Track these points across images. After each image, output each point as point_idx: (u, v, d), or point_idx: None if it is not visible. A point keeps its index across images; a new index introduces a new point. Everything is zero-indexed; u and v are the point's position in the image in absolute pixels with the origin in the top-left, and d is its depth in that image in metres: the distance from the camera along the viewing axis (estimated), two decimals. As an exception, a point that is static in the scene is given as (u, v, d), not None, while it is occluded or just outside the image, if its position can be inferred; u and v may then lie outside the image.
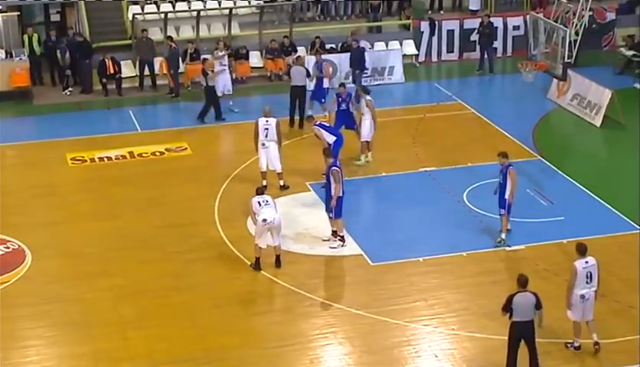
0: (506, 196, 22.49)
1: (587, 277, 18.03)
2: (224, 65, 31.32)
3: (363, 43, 35.97)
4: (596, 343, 18.41)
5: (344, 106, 27.55)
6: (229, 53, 32.47)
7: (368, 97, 26.95)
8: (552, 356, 18.14)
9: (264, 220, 21.16)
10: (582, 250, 18.18)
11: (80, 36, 34.11)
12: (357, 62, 33.16)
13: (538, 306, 17.23)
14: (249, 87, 33.46)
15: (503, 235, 22.96)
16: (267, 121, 25.11)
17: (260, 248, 21.45)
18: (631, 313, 19.81)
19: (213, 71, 30.39)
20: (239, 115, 31.06)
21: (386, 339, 19.14)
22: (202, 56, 32.55)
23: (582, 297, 18.06)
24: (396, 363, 18.42)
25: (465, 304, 20.36)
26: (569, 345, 18.50)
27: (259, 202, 21.35)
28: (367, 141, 27.05)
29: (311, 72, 30.71)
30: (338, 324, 19.70)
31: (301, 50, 35.13)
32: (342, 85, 28.54)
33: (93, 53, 33.56)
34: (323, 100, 30.30)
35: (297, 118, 30.11)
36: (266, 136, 25.09)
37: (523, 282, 17.24)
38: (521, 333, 17.31)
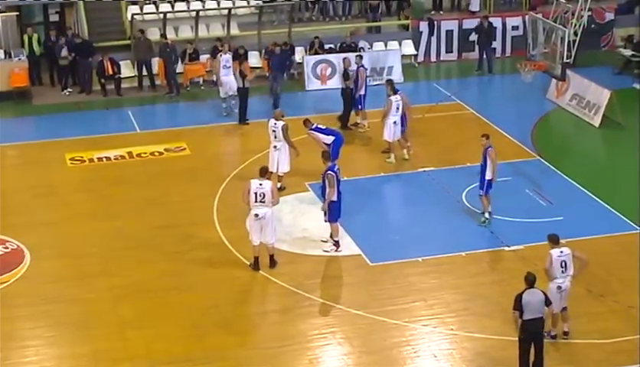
0: (487, 177, 23.09)
1: (562, 267, 18.28)
2: (228, 67, 31.30)
3: (362, 43, 36.11)
4: (566, 333, 18.72)
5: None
6: (233, 54, 32.51)
7: (392, 97, 27.03)
8: (550, 356, 18.11)
9: (256, 215, 21.23)
10: (554, 239, 18.48)
11: (78, 37, 34.09)
12: (279, 66, 32.70)
13: (548, 302, 17.36)
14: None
15: (487, 215, 23.49)
16: (275, 123, 25.20)
17: (254, 245, 21.49)
18: (630, 313, 19.83)
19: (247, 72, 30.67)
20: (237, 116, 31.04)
21: (385, 339, 19.15)
22: (240, 57, 32.32)
23: (559, 287, 18.29)
24: (395, 363, 18.43)
25: (464, 304, 20.36)
26: (546, 333, 18.52)
27: (255, 194, 21.21)
28: (390, 141, 27.25)
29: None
30: (337, 324, 19.72)
31: (299, 51, 35.16)
32: (389, 81, 28.59)
33: (93, 53, 33.57)
34: (360, 107, 30.22)
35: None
36: (275, 137, 25.21)
37: (531, 281, 17.37)
38: (532, 331, 17.36)
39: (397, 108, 26.98)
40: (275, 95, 31.94)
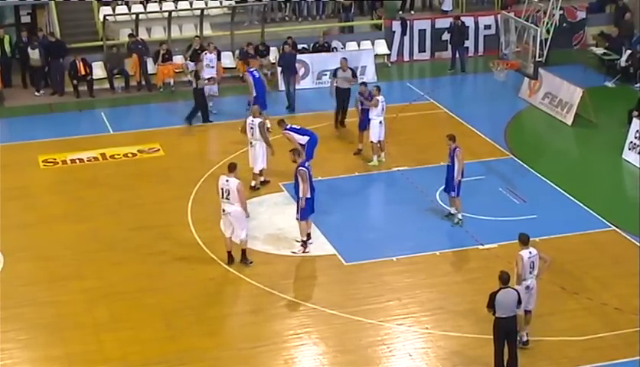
0: (454, 179, 23.19)
1: (531, 267, 18.21)
2: (212, 66, 31.27)
3: (335, 43, 36.14)
4: (525, 342, 18.50)
5: (366, 105, 27.33)
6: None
7: (378, 97, 26.96)
8: (524, 353, 18.18)
9: (223, 210, 21.41)
10: (525, 240, 18.33)
11: (52, 36, 33.93)
12: (288, 67, 32.53)
13: (519, 302, 17.39)
14: (221, 88, 33.32)
15: (459, 216, 23.58)
16: (253, 120, 25.23)
17: (225, 238, 21.65)
18: (604, 310, 19.94)
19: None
20: (211, 116, 30.97)
21: (360, 338, 19.17)
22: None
23: (528, 287, 18.22)
24: (371, 363, 18.45)
25: (439, 303, 20.41)
26: (520, 344, 18.52)
27: (221, 190, 21.26)
28: (375, 142, 27.09)
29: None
30: (312, 324, 19.72)
31: (273, 51, 35.15)
32: (363, 83, 28.52)
33: (66, 53, 33.43)
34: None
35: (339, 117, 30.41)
36: (252, 135, 25.26)
37: (505, 279, 17.36)
38: (505, 329, 17.41)
39: (382, 109, 26.95)
40: (289, 95, 31.87)
